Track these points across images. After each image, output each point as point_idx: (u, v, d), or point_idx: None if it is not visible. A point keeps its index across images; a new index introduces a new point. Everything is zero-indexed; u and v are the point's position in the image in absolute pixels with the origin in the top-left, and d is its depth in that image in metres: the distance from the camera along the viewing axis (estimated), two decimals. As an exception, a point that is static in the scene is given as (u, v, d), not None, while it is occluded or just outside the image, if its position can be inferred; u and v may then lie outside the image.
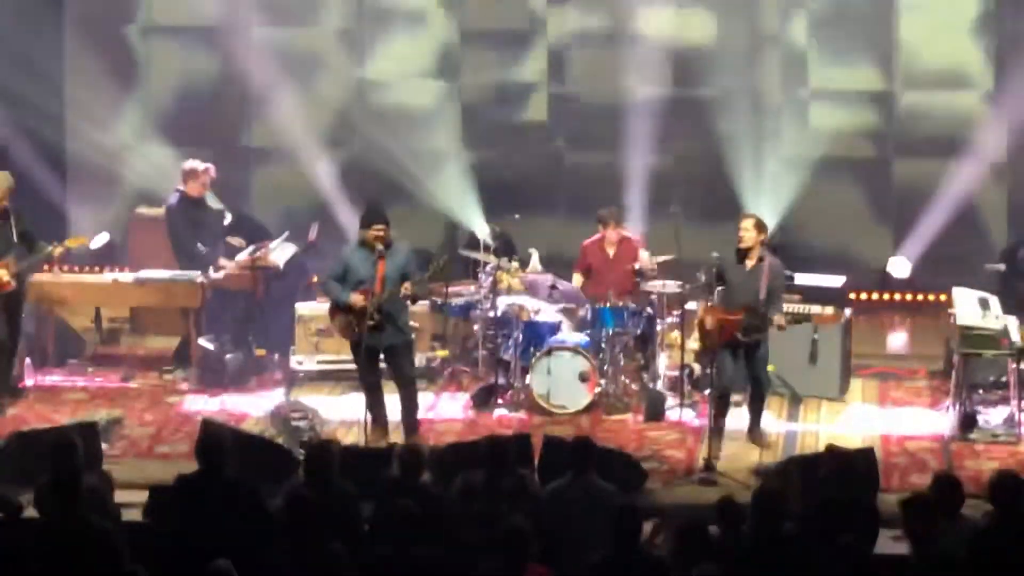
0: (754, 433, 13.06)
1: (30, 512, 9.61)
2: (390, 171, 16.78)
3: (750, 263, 12.78)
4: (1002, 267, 15.70)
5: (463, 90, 17.13)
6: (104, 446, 12.34)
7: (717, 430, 12.74)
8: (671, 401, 13.79)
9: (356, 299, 12.68)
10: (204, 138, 15.98)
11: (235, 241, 15.05)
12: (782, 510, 9.10)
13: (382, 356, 12.91)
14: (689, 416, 13.61)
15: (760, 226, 12.82)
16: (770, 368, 13.94)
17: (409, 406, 13.01)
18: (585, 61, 16.98)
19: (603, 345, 13.99)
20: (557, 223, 16.57)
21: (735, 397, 13.73)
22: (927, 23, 16.64)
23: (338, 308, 12.87)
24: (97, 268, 17.09)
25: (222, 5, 17.06)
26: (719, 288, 12.89)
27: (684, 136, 16.81)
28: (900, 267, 16.15)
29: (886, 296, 16.89)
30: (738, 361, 12.82)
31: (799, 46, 16.78)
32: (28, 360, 14.39)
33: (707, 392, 13.25)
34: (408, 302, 12.89)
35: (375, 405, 12.97)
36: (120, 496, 10.55)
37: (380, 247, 12.72)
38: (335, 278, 12.85)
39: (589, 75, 16.95)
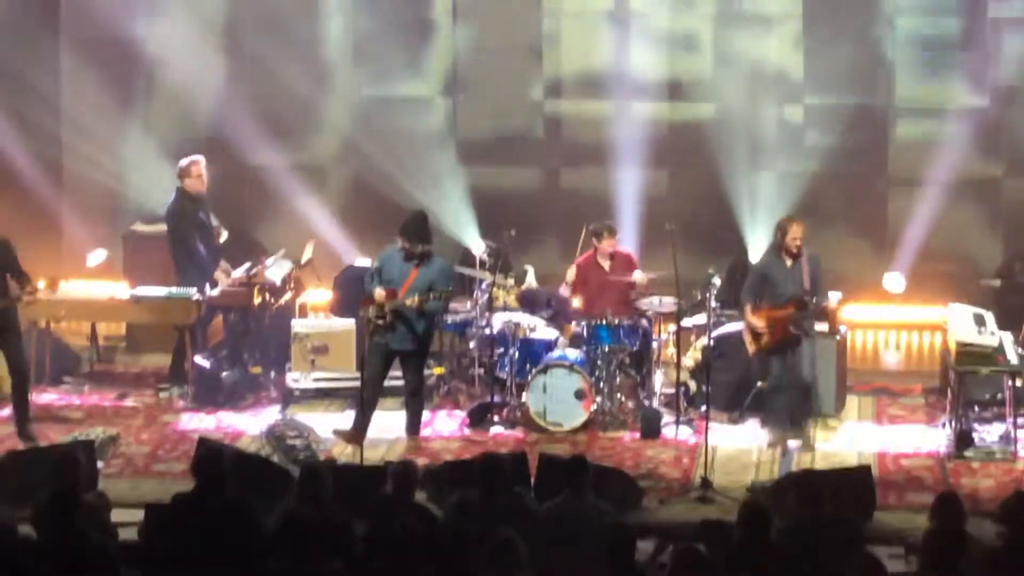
0: (804, 438, 13.31)
1: (25, 531, 9.58)
2: (388, 189, 16.77)
3: (790, 259, 13.24)
4: (997, 283, 15.69)
5: (461, 106, 17.12)
6: (100, 464, 12.35)
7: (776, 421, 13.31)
8: (667, 418, 13.78)
9: (379, 293, 13.18)
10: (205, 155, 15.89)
11: (223, 266, 14.93)
12: (767, 523, 9.07)
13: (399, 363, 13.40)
14: (685, 434, 13.61)
15: (802, 226, 13.37)
16: (763, 385, 13.98)
17: (412, 410, 13.39)
18: (582, 76, 16.95)
19: (599, 362, 13.98)
20: (552, 240, 16.52)
21: (731, 414, 13.82)
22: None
23: (366, 300, 13.30)
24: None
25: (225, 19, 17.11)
26: (742, 287, 13.53)
27: (679, 152, 16.80)
28: (895, 283, 16.14)
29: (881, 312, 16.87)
30: (785, 363, 13.28)
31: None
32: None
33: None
34: (426, 316, 13.21)
35: (364, 410, 13.13)
36: (116, 515, 10.53)
37: (415, 258, 13.18)
38: (374, 273, 13.40)
39: (585, 91, 16.92)
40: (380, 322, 13.13)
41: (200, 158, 14.95)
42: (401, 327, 13.17)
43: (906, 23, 16.56)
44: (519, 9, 16.97)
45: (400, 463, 10.50)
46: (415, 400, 13.42)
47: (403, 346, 13.26)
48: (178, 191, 14.82)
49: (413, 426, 13.40)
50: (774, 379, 13.36)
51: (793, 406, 13.35)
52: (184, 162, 14.89)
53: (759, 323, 13.31)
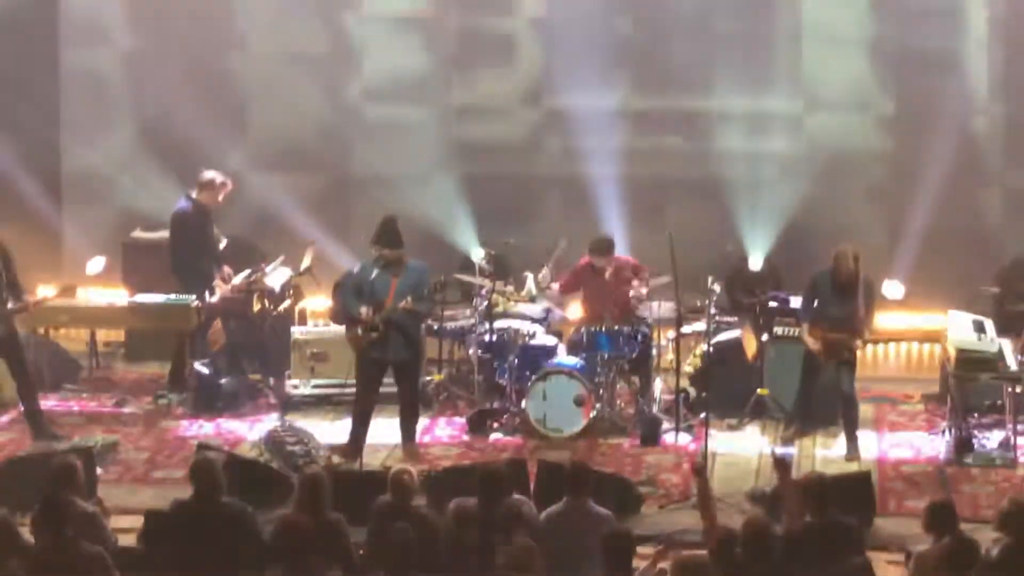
0: (849, 450, 13.29)
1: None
2: (384, 192, 16.78)
3: (843, 284, 13.29)
4: (996, 290, 15.69)
5: (454, 107, 17.14)
6: (99, 471, 12.34)
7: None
8: (667, 425, 13.78)
9: (364, 311, 13.03)
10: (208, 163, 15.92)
11: (222, 273, 14.92)
12: (770, 542, 9.05)
13: (391, 371, 13.30)
14: (685, 440, 13.60)
15: (857, 256, 13.27)
16: (763, 392, 13.99)
17: (408, 416, 13.30)
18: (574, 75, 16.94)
19: (599, 369, 13.97)
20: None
21: (730, 421, 13.81)
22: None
23: (350, 320, 13.20)
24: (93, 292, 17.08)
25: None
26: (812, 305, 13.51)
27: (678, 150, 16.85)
28: (894, 290, 16.15)
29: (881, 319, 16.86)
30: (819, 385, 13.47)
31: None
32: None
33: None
34: (417, 319, 13.19)
35: (359, 424, 13.12)
36: (115, 521, 10.53)
37: (391, 265, 13.06)
38: (351, 290, 13.25)
39: (579, 89, 16.92)
40: (374, 335, 13.07)
41: (230, 182, 14.87)
42: (395, 337, 13.08)
43: (909, 29, 16.58)
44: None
45: (399, 470, 10.49)
46: (412, 410, 13.34)
47: (398, 355, 13.15)
48: (190, 199, 14.78)
49: (409, 433, 13.34)
50: (844, 393, 13.45)
51: (844, 425, 13.45)
52: (217, 177, 14.74)
53: (815, 344, 13.33)
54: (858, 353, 13.44)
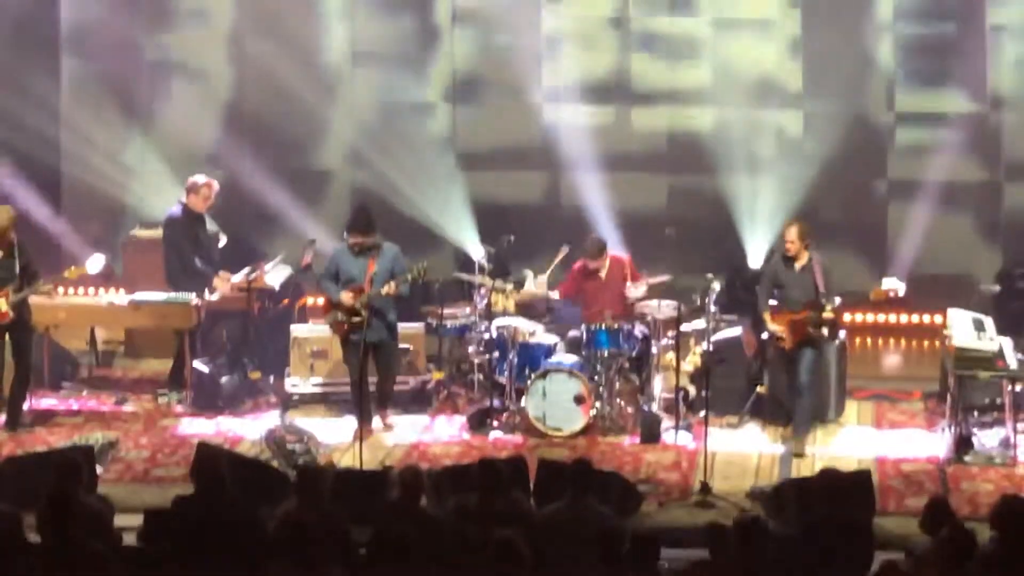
0: (795, 445, 13.28)
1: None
2: (386, 191, 16.81)
3: (800, 263, 13.42)
4: (997, 288, 15.69)
5: (458, 113, 17.18)
6: (99, 469, 12.34)
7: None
8: (667, 423, 13.78)
9: (346, 297, 13.48)
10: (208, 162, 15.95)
11: (222, 274, 14.90)
12: (763, 537, 9.04)
13: (373, 354, 13.61)
14: (685, 438, 13.61)
15: (803, 232, 13.38)
16: (763, 390, 13.99)
17: (385, 391, 13.82)
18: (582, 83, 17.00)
19: (598, 367, 13.98)
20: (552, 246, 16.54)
21: (730, 419, 13.80)
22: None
23: (330, 305, 13.67)
24: (92, 290, 17.09)
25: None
26: (771, 291, 13.58)
27: (679, 159, 16.87)
28: (893, 287, 16.13)
29: (881, 318, 16.88)
30: (805, 366, 13.43)
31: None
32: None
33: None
34: (394, 300, 13.57)
35: (364, 405, 13.26)
36: (115, 519, 10.52)
37: (367, 250, 13.47)
38: (329, 277, 13.67)
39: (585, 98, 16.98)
40: (356, 320, 13.37)
41: (215, 183, 14.88)
42: (375, 320, 13.46)
43: (904, 29, 16.59)
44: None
45: (407, 468, 10.49)
46: (389, 381, 13.83)
47: (379, 336, 13.55)
48: (182, 206, 14.77)
49: (385, 394, 13.82)
50: (799, 382, 13.40)
51: (795, 415, 13.43)
52: (200, 179, 14.78)
53: (779, 328, 13.38)
54: (824, 332, 13.39)
